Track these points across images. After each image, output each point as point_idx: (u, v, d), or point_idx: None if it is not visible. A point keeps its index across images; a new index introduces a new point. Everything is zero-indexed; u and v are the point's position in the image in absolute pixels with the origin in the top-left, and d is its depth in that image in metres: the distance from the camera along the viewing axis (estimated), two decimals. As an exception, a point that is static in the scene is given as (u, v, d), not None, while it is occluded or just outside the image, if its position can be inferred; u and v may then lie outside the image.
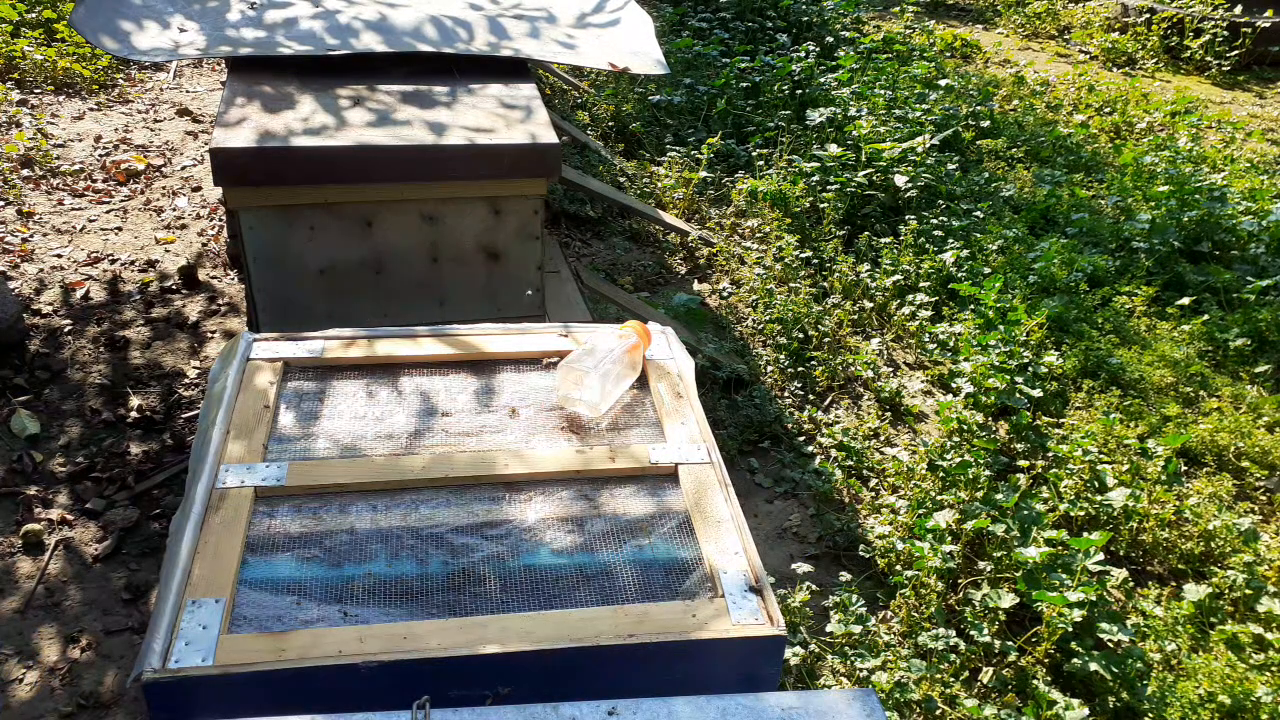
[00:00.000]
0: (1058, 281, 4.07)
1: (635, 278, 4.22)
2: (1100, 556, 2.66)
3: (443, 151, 2.71)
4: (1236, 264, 4.33)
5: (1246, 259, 4.36)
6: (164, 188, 4.56)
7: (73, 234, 4.12)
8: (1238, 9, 7.10)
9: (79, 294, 3.73)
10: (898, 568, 2.77)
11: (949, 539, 2.78)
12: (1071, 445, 3.14)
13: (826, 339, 3.77)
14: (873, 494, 3.12)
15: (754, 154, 5.06)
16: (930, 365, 3.74)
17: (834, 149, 4.80)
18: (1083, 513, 2.95)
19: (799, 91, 5.64)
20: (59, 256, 3.95)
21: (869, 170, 4.72)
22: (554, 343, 2.07)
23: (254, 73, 2.99)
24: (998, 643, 2.53)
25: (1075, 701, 2.35)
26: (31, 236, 4.06)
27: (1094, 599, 2.53)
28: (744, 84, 5.79)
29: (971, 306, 3.88)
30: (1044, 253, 4.18)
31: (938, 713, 2.37)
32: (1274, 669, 2.49)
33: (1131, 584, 2.82)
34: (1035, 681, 2.42)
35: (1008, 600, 2.57)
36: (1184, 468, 3.23)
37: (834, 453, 3.25)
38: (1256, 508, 3.14)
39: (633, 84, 5.78)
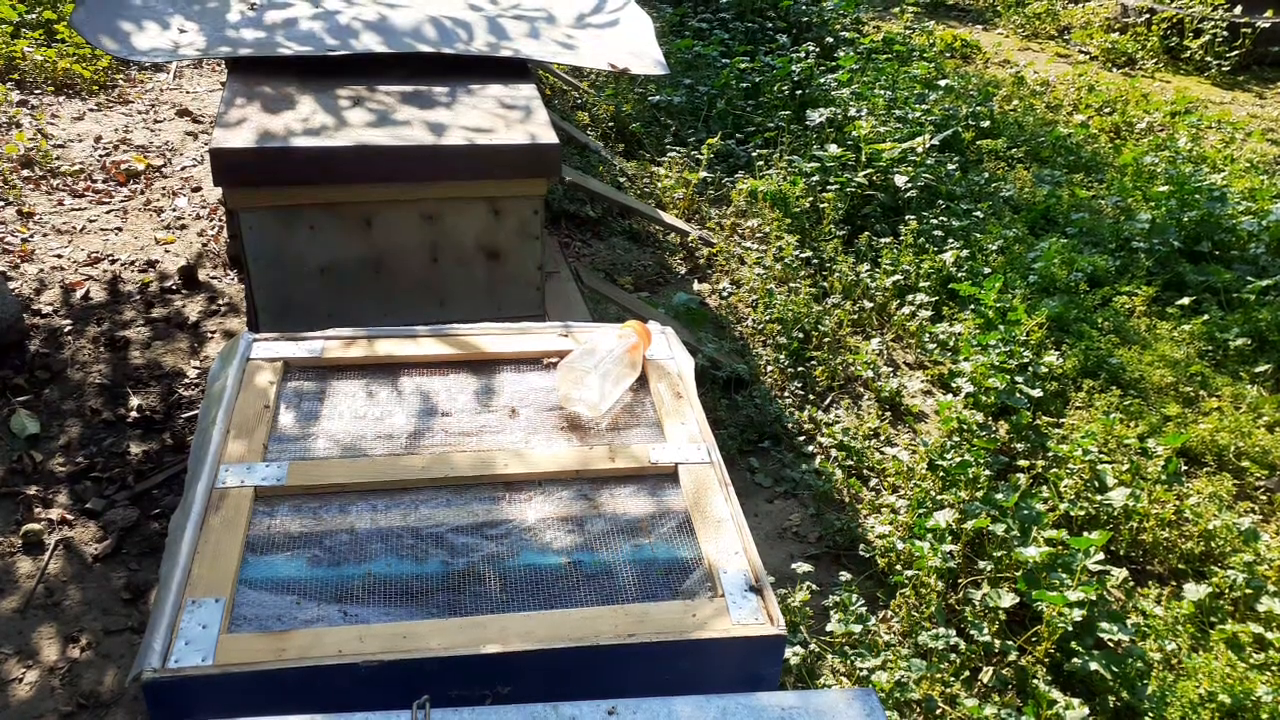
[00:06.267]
0: (1058, 281, 4.07)
1: (635, 278, 4.22)
2: (1100, 556, 2.66)
3: (442, 151, 2.71)
4: (1236, 264, 4.33)
5: (1246, 259, 4.36)
6: (164, 188, 4.56)
7: (73, 234, 4.12)
8: (1238, 9, 7.10)
9: (79, 294, 3.73)
10: (898, 567, 2.77)
11: (949, 539, 2.78)
12: (1071, 445, 3.14)
13: (826, 339, 3.77)
14: (873, 494, 3.12)
15: (754, 154, 5.06)
16: (930, 365, 3.74)
17: (834, 149, 4.79)
18: (1083, 512, 2.95)
19: (799, 92, 5.64)
20: (59, 257, 3.95)
21: (869, 170, 4.72)
22: (554, 343, 2.07)
23: (254, 73, 2.99)
24: (998, 642, 2.53)
25: (1075, 701, 2.35)
26: (31, 237, 4.06)
27: (1094, 599, 2.53)
28: (744, 84, 5.79)
29: (971, 306, 3.88)
30: (1044, 253, 4.17)
31: (938, 712, 2.37)
32: (1274, 669, 2.48)
33: (1131, 584, 2.82)
34: (1035, 681, 2.42)
35: (1008, 600, 2.57)
36: (1184, 468, 3.23)
37: (834, 452, 3.25)
38: (1256, 508, 3.14)
39: (633, 84, 5.78)
